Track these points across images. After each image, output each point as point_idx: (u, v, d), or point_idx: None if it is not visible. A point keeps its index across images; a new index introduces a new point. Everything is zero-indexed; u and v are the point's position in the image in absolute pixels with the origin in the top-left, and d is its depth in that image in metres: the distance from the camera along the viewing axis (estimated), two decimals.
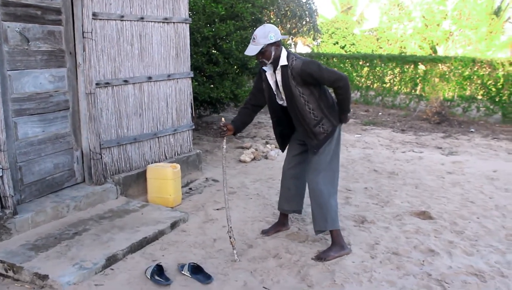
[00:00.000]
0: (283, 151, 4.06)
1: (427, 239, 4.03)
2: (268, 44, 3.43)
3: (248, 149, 7.14)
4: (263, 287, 3.17)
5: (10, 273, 3.18)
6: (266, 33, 3.43)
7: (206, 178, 5.79)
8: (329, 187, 3.69)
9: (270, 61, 3.51)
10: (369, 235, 4.10)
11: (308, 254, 3.67)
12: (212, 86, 7.72)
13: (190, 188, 5.38)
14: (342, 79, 3.46)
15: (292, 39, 12.86)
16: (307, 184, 3.77)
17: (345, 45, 24.69)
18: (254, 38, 3.47)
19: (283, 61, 3.50)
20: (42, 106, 4.10)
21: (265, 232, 4.08)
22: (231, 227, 3.59)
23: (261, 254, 3.67)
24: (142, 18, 4.79)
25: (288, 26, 12.63)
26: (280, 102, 3.72)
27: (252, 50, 3.46)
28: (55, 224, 3.85)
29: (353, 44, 24.97)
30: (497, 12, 24.05)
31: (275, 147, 7.37)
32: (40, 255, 3.30)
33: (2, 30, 3.66)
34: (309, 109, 3.54)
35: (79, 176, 4.53)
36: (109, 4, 4.44)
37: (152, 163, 5.07)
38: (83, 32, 4.22)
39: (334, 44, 24.48)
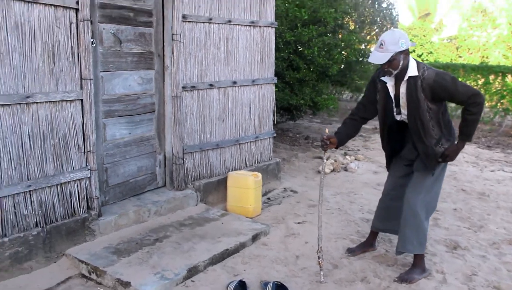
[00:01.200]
0: (388, 169, 3.77)
1: None
2: (398, 52, 3.09)
3: (327, 159, 6.89)
4: None
5: (93, 276, 3.16)
6: (397, 39, 3.08)
7: (284, 188, 5.61)
8: (426, 211, 3.43)
9: (397, 71, 3.17)
10: (465, 263, 3.75)
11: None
12: (291, 92, 7.54)
13: (269, 198, 5.22)
14: (479, 95, 3.13)
15: (366, 46, 12.44)
16: (404, 201, 3.46)
17: (422, 54, 23.73)
18: (382, 44, 3.11)
19: (412, 71, 3.16)
20: (130, 108, 4.10)
21: (351, 251, 3.84)
22: (321, 247, 3.38)
23: (347, 276, 3.43)
24: (229, 21, 4.70)
25: (368, 33, 12.23)
26: (398, 117, 3.41)
27: (379, 58, 3.12)
28: (136, 228, 3.82)
29: (431, 52, 23.93)
30: None
31: (355, 159, 7.08)
32: (122, 260, 3.26)
33: (98, 32, 3.68)
34: (432, 126, 3.22)
35: (160, 180, 4.50)
36: (198, 6, 4.37)
37: (232, 170, 4.95)
38: (172, 35, 4.18)
39: (411, 52, 23.59)
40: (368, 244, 3.90)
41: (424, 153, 3.30)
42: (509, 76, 11.83)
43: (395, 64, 3.13)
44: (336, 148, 3.51)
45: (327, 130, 3.49)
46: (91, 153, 3.54)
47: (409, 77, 3.18)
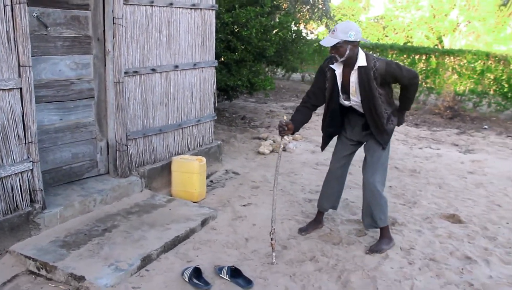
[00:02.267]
0: (323, 150, 4.01)
1: (462, 245, 3.94)
2: (346, 41, 3.31)
3: (266, 140, 7.00)
4: None
5: (43, 272, 3.06)
6: (347, 30, 3.32)
7: (226, 170, 5.66)
8: (382, 187, 3.77)
9: (342, 59, 3.40)
10: (403, 238, 4.00)
11: (345, 258, 3.57)
12: (228, 73, 7.53)
13: (212, 181, 5.25)
14: (417, 76, 3.56)
15: (295, 24, 12.65)
16: (363, 183, 3.77)
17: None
18: (334, 30, 3.36)
19: (361, 62, 3.41)
20: (61, 94, 3.95)
21: (303, 230, 4.02)
22: (274, 229, 3.50)
23: (297, 256, 3.56)
24: (171, 3, 4.61)
25: (300, 11, 12.41)
26: (347, 103, 3.64)
27: (328, 41, 3.35)
28: (82, 219, 3.73)
29: None
30: (506, 3, 23.86)
31: (293, 139, 7.24)
32: (72, 254, 3.18)
33: None
34: (384, 109, 3.55)
35: (102, 167, 4.39)
36: None
37: (175, 154, 4.93)
38: (113, 18, 4.04)
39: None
40: (318, 222, 4.12)
41: (378, 132, 3.62)
42: (433, 56, 12.45)
43: (341, 52, 3.36)
44: (292, 134, 3.65)
45: (285, 117, 3.60)
46: (33, 144, 3.39)
47: (359, 67, 3.41)
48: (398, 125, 3.85)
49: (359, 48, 3.43)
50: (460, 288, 3.27)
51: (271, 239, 3.45)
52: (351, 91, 3.54)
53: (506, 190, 5.50)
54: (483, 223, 4.46)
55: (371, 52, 13.52)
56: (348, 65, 3.46)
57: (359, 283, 3.24)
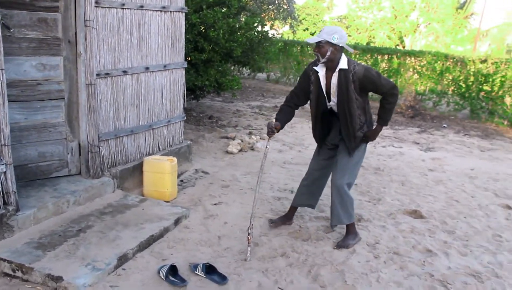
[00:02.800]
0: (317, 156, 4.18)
1: (423, 239, 4.17)
2: (328, 42, 3.51)
3: (234, 139, 7.12)
4: (278, 287, 3.21)
5: (19, 274, 3.09)
6: (331, 32, 3.52)
7: (196, 170, 5.74)
8: (349, 186, 3.93)
9: (323, 60, 3.57)
10: (369, 233, 4.20)
11: (314, 254, 3.73)
12: (196, 73, 7.61)
13: (182, 180, 5.33)
14: (396, 87, 3.68)
15: (262, 25, 12.87)
16: (331, 183, 3.93)
17: (315, 32, 24.80)
18: (321, 31, 3.60)
19: (342, 65, 3.58)
20: (26, 94, 3.98)
21: (273, 222, 4.24)
22: (252, 225, 3.67)
23: (269, 253, 3.70)
24: (141, 6, 4.66)
25: (266, 13, 12.56)
26: (329, 104, 3.82)
27: (312, 38, 3.60)
28: (56, 220, 3.75)
29: None
30: (462, 6, 24.70)
31: (260, 139, 7.37)
32: (48, 255, 3.22)
33: None
34: (358, 114, 3.67)
35: (73, 167, 4.41)
36: None
37: (146, 155, 4.99)
38: (85, 20, 4.06)
39: (304, 30, 24.55)
40: (288, 217, 4.31)
41: (347, 137, 3.77)
42: (394, 57, 12.85)
43: (323, 51, 3.55)
44: (278, 131, 3.85)
45: (273, 120, 3.85)
46: (6, 146, 3.40)
47: (340, 69, 3.60)
48: (370, 140, 3.92)
49: (343, 54, 3.62)
50: (422, 279, 3.48)
51: (248, 233, 3.61)
52: (331, 92, 3.72)
53: (464, 186, 5.80)
54: (443, 218, 4.71)
55: None
56: (331, 68, 3.64)
57: (328, 277, 3.40)
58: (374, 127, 3.87)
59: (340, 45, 3.56)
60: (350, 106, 3.64)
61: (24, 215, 3.55)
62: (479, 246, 4.11)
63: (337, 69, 3.61)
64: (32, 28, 3.92)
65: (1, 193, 3.43)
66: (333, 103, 3.78)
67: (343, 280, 3.37)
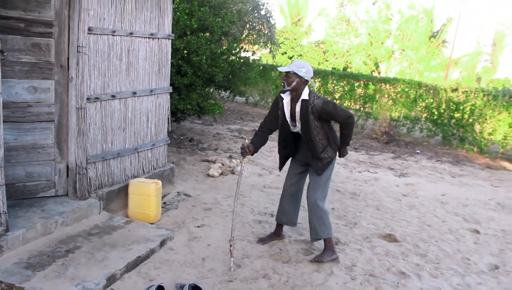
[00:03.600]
0: (280, 170, 4.58)
1: (397, 262, 4.38)
2: (295, 73, 3.99)
3: (215, 163, 7.27)
4: None
5: None
6: (300, 66, 4.01)
7: (178, 192, 5.87)
8: (324, 203, 4.26)
9: (289, 88, 4.03)
10: (346, 256, 4.39)
11: (294, 275, 3.90)
12: (179, 97, 7.78)
13: (165, 203, 5.44)
14: (351, 117, 4.11)
15: (244, 51, 13.17)
16: (306, 200, 4.30)
17: (293, 56, 25.26)
18: (291, 62, 4.12)
19: (304, 96, 4.03)
20: (17, 115, 4.12)
21: (262, 240, 4.54)
22: (233, 237, 3.95)
23: (251, 274, 3.86)
24: (131, 33, 4.85)
25: (247, 38, 12.84)
26: (293, 129, 4.25)
27: (283, 68, 4.08)
28: (45, 241, 3.84)
29: (301, 55, 25.59)
30: (435, 36, 25.58)
31: (240, 163, 7.53)
32: (38, 275, 3.31)
33: None
34: (319, 139, 4.11)
35: (60, 189, 4.51)
36: (103, 19, 4.47)
37: (131, 177, 5.11)
38: (77, 46, 4.23)
39: (283, 54, 24.96)
40: (276, 234, 4.63)
41: (312, 158, 4.22)
42: (370, 83, 13.25)
43: (290, 81, 4.03)
44: (252, 154, 4.24)
45: (246, 141, 4.21)
46: (1, 168, 3.51)
47: (302, 100, 4.05)
48: (341, 157, 4.42)
49: (307, 86, 4.07)
50: None
51: (230, 245, 3.89)
52: (296, 119, 4.16)
53: (435, 211, 6.07)
54: (415, 241, 4.94)
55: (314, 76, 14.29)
56: (294, 97, 4.10)
57: None
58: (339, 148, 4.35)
59: (305, 78, 4.03)
60: (311, 132, 4.08)
61: (14, 235, 3.65)
62: (449, 269, 4.34)
63: (300, 100, 4.06)
64: (25, 52, 4.07)
65: None
66: (298, 128, 4.23)
67: None
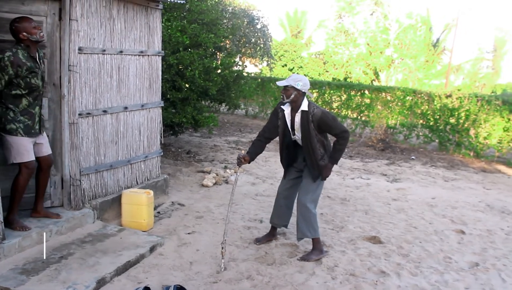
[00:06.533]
0: (285, 178, 4.84)
1: (379, 262, 4.56)
2: (293, 87, 4.26)
3: (209, 173, 7.50)
4: None
5: None
6: (297, 80, 4.29)
7: (172, 202, 6.09)
8: (313, 205, 4.51)
9: (287, 100, 4.31)
10: (328, 258, 4.57)
11: (277, 276, 4.09)
12: (174, 111, 8.04)
13: (159, 212, 5.67)
14: (347, 131, 4.39)
15: (240, 58, 13.37)
16: (296, 201, 4.57)
17: (293, 68, 25.58)
18: (289, 77, 4.38)
19: (304, 107, 4.32)
20: None
21: (258, 240, 4.85)
22: (225, 240, 4.20)
23: (236, 276, 4.05)
24: (121, 51, 5.11)
25: (243, 51, 13.14)
26: (293, 137, 4.53)
27: (281, 82, 4.34)
28: (40, 248, 4.06)
29: (301, 67, 25.92)
30: (435, 44, 25.79)
31: (234, 173, 7.77)
32: (32, 279, 3.53)
33: None
34: (318, 147, 4.39)
35: (56, 200, 4.75)
36: (93, 39, 4.74)
37: (125, 188, 5.34)
38: (69, 66, 4.49)
39: (283, 66, 25.29)
40: (271, 235, 4.94)
41: (311, 165, 4.46)
42: (367, 91, 13.46)
43: (288, 94, 4.30)
44: (249, 163, 4.53)
45: (243, 151, 4.52)
46: None
47: (302, 110, 4.34)
48: (323, 178, 4.57)
49: (305, 98, 4.35)
50: None
51: (222, 247, 4.14)
52: (296, 128, 4.44)
53: (423, 214, 6.24)
54: (400, 243, 5.12)
55: (311, 88, 14.53)
56: (294, 108, 4.37)
57: None
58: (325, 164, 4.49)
59: (303, 90, 4.31)
60: (311, 140, 4.36)
61: (10, 244, 3.88)
62: (429, 267, 4.51)
63: (300, 110, 4.33)
64: None
65: None
66: (297, 137, 4.49)
67: None
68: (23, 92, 4.02)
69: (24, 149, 4.06)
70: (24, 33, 3.94)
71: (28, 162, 4.09)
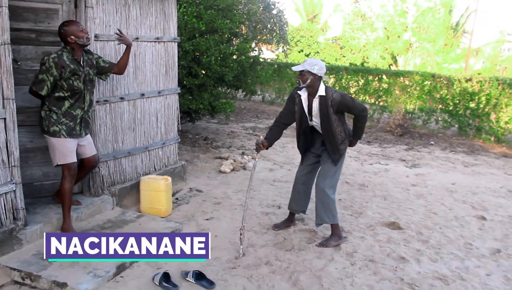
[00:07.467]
0: (302, 162, 4.83)
1: (398, 248, 4.52)
2: (309, 71, 4.21)
3: (227, 159, 7.50)
4: None
5: (27, 281, 3.45)
6: (313, 64, 4.23)
7: (190, 188, 6.12)
8: (332, 191, 4.48)
9: (304, 85, 4.27)
10: (347, 244, 4.55)
11: (295, 262, 4.09)
12: (191, 97, 8.03)
13: (177, 198, 5.69)
14: (366, 110, 4.41)
15: (256, 44, 13.28)
16: (315, 187, 4.53)
17: (310, 53, 25.35)
18: (304, 61, 4.31)
19: (321, 92, 4.27)
20: (32, 119, 4.35)
21: (277, 226, 4.85)
22: (244, 226, 4.21)
23: (254, 261, 4.06)
24: (137, 38, 5.10)
25: (259, 37, 13.07)
26: (311, 123, 4.49)
27: (297, 67, 4.30)
28: None
29: (318, 52, 25.68)
30: (455, 27, 25.32)
31: (252, 158, 7.76)
32: (53, 264, 3.57)
33: None
34: (338, 131, 4.36)
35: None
36: (109, 26, 4.73)
37: (143, 174, 5.37)
38: None
39: (299, 52, 25.09)
40: (290, 221, 4.93)
41: (331, 150, 4.42)
42: (384, 76, 13.29)
43: (304, 78, 4.25)
44: (267, 149, 4.52)
45: (261, 137, 4.49)
46: (16, 167, 3.79)
47: (320, 96, 4.28)
48: (351, 146, 4.69)
49: (322, 82, 4.28)
50: (392, 282, 3.83)
51: (241, 233, 4.16)
52: (313, 114, 4.39)
53: (443, 200, 6.16)
54: (419, 228, 5.07)
55: (327, 73, 14.41)
56: (311, 93, 4.32)
57: (307, 282, 3.75)
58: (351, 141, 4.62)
59: (319, 75, 4.23)
60: (331, 125, 4.31)
61: (32, 230, 3.93)
62: (449, 253, 4.47)
63: (317, 95, 4.27)
64: (37, 60, 4.31)
65: (11, 209, 3.81)
66: (315, 122, 4.43)
67: (320, 284, 3.72)
68: (66, 94, 4.05)
69: (68, 151, 4.10)
70: (72, 37, 3.98)
71: (70, 163, 4.12)
